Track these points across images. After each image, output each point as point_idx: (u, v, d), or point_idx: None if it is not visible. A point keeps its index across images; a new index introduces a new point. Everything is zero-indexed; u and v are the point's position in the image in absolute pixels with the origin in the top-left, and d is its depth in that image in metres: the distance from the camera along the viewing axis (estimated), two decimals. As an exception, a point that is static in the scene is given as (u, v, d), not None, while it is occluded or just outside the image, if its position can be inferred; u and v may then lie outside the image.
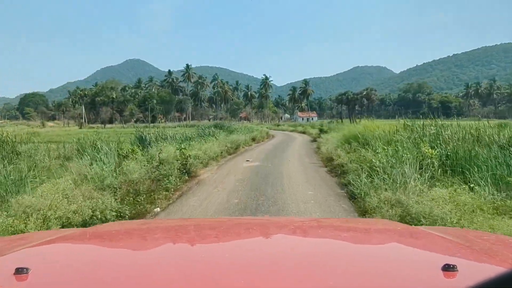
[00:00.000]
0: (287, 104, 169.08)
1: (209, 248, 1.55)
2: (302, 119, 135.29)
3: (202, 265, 1.25)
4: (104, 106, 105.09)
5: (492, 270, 1.18)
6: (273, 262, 1.29)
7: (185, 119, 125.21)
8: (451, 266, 1.07)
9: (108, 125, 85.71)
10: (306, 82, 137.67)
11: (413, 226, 2.43)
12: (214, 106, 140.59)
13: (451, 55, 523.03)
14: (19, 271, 1.06)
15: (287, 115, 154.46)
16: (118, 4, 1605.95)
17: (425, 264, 1.31)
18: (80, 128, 77.92)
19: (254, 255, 1.42)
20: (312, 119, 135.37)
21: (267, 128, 58.89)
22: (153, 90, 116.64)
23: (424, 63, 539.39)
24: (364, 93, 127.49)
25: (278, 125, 75.16)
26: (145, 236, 1.85)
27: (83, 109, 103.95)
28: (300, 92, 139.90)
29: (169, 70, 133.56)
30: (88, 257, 1.45)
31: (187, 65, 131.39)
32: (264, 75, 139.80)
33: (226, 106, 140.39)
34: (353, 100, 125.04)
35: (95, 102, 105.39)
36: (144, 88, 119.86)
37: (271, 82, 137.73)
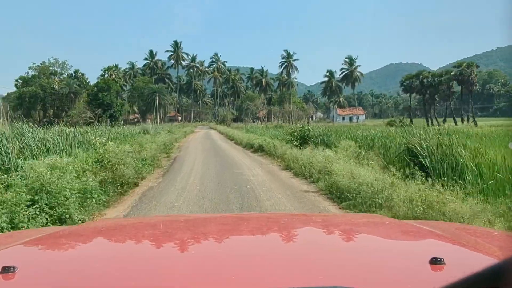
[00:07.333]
0: (319, 100, 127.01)
1: (200, 244, 1.54)
2: (343, 118, 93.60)
3: (194, 261, 1.25)
4: (35, 101, 67.15)
5: (479, 263, 1.17)
6: (264, 257, 1.30)
7: (170, 120, 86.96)
8: (439, 259, 1.07)
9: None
10: (351, 60, 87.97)
11: (401, 220, 2.47)
12: (223, 101, 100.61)
13: (495, 48, 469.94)
14: (6, 269, 1.04)
15: (319, 114, 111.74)
16: (128, 8, 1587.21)
17: (412, 257, 1.30)
18: None
19: (245, 250, 1.42)
20: (358, 118, 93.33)
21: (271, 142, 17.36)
22: (113, 76, 76.85)
23: (464, 58, 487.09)
24: (453, 72, 65.09)
25: (302, 134, 16.79)
26: (134, 233, 1.82)
27: (1, 105, 65.87)
28: (340, 77, 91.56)
29: (151, 51, 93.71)
30: (76, 255, 1.44)
31: (175, 42, 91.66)
32: (285, 51, 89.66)
33: (238, 101, 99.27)
34: (433, 86, 66.72)
35: (21, 94, 67.37)
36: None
37: (295, 61, 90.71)
